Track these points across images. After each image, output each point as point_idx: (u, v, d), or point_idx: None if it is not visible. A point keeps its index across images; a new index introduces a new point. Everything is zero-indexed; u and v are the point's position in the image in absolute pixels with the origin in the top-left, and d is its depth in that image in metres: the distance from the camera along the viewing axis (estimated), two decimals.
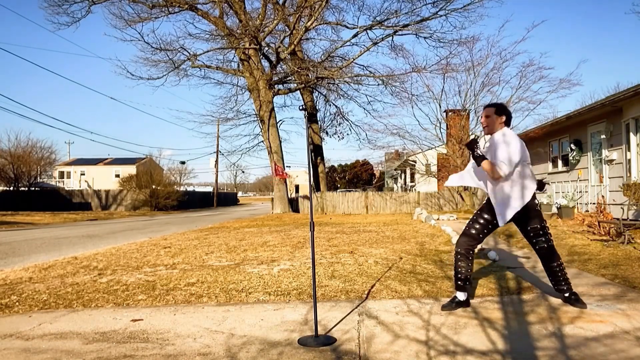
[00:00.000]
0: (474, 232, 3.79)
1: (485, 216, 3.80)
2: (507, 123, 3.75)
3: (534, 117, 56.32)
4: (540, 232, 3.72)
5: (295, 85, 23.47)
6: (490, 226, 3.80)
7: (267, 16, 20.03)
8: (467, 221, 3.94)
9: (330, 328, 3.29)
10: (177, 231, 12.70)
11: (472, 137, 4.16)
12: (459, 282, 3.77)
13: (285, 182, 22.25)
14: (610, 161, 11.45)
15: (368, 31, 20.54)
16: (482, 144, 3.85)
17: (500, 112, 3.73)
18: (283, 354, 2.81)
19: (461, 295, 3.78)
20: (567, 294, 3.79)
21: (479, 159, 3.64)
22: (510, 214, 3.64)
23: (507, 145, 3.57)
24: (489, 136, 3.80)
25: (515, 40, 46.08)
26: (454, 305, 3.75)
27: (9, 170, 34.02)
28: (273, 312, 3.76)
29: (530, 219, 3.70)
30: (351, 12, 72.91)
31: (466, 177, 3.98)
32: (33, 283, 5.05)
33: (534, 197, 3.69)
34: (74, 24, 19.89)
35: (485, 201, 3.90)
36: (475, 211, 3.94)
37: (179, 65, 20.45)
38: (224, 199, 54.59)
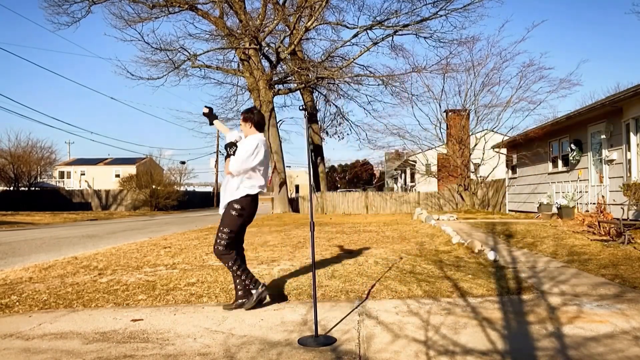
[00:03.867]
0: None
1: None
2: (258, 128, 3.97)
3: (534, 117, 55.92)
4: (219, 233, 3.80)
5: (295, 85, 23.46)
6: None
7: (267, 16, 20.02)
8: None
9: (330, 328, 3.30)
10: (177, 231, 12.70)
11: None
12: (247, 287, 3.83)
13: (285, 182, 22.24)
14: (610, 161, 11.45)
15: (368, 31, 20.54)
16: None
17: (245, 119, 3.99)
18: (283, 354, 2.81)
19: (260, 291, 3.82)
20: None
21: (227, 157, 3.87)
22: (222, 205, 3.82)
23: (243, 151, 3.78)
24: None
25: (515, 40, 46.06)
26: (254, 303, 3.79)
27: (9, 170, 34.07)
28: (273, 312, 3.77)
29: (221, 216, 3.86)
30: (351, 12, 73.00)
31: None
32: (33, 283, 5.06)
33: (237, 201, 3.77)
34: (74, 24, 19.88)
35: None
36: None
37: (179, 65, 20.43)
38: None
